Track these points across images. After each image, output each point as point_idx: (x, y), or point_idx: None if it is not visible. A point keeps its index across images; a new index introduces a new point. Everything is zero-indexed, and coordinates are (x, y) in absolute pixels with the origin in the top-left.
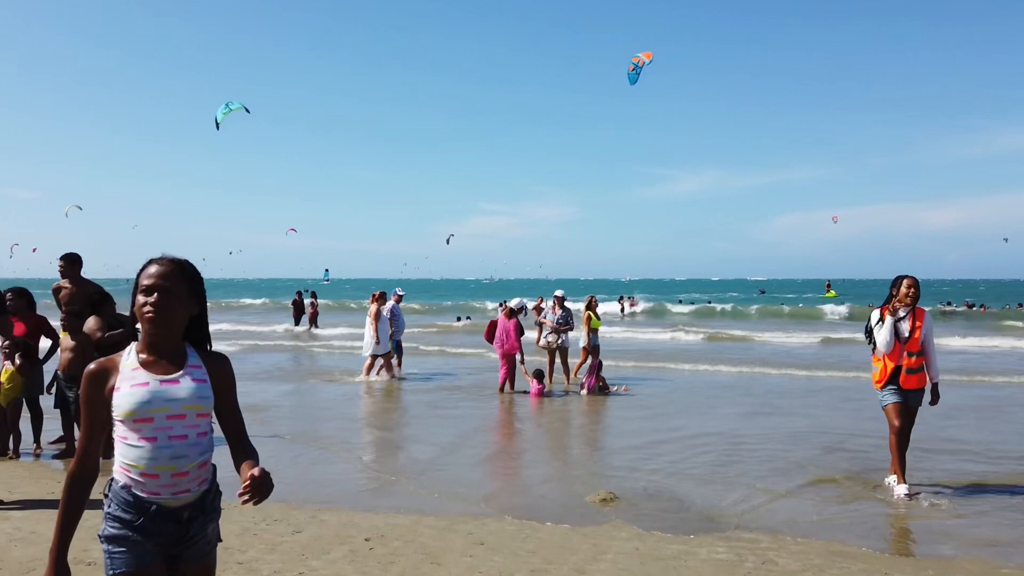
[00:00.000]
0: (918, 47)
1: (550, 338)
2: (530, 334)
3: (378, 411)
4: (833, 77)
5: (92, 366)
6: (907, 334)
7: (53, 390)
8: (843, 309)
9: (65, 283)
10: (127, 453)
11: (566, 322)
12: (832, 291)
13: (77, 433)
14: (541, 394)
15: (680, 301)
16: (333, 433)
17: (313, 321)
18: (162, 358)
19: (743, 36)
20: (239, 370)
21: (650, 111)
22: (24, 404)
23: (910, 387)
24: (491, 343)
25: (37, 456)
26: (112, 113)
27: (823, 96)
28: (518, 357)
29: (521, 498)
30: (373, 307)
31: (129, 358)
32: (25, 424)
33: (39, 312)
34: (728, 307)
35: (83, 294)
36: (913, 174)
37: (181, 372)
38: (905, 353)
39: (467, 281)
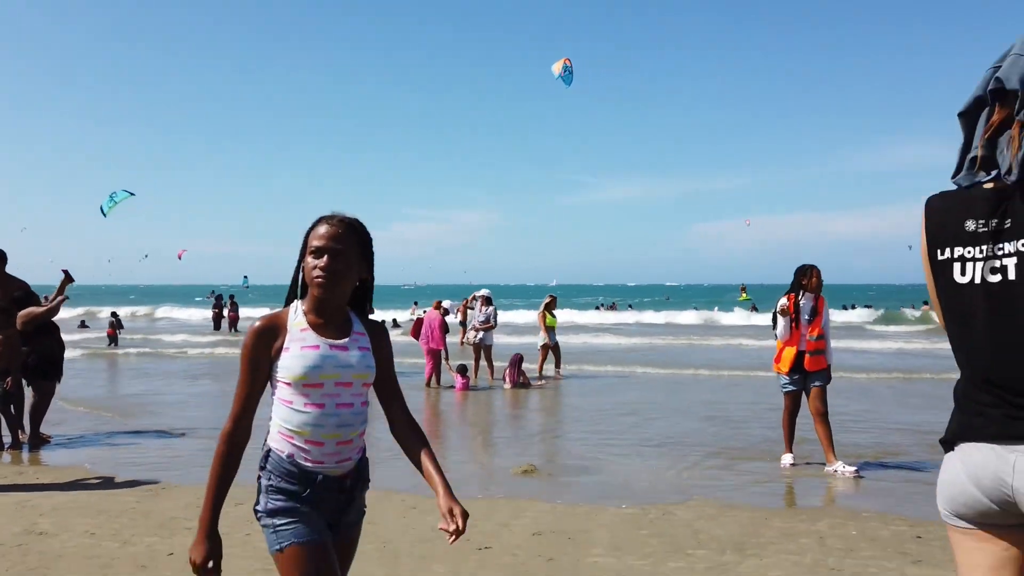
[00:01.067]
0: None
1: (470, 335)
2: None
3: None
4: (753, 89)
5: (259, 322)
6: (809, 316)
7: None
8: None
9: None
10: (291, 418)
11: (487, 320)
12: (746, 294)
13: (5, 429)
14: (466, 388)
15: (599, 307)
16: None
17: (233, 325)
18: (330, 322)
19: (664, 44)
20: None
21: (574, 119)
22: None
23: (813, 368)
24: (418, 340)
25: None
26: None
27: (741, 108)
28: (442, 353)
29: (450, 473)
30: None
31: (297, 317)
32: None
33: None
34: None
35: (8, 290)
36: (823, 184)
37: (348, 339)
38: (808, 336)
39: (391, 287)
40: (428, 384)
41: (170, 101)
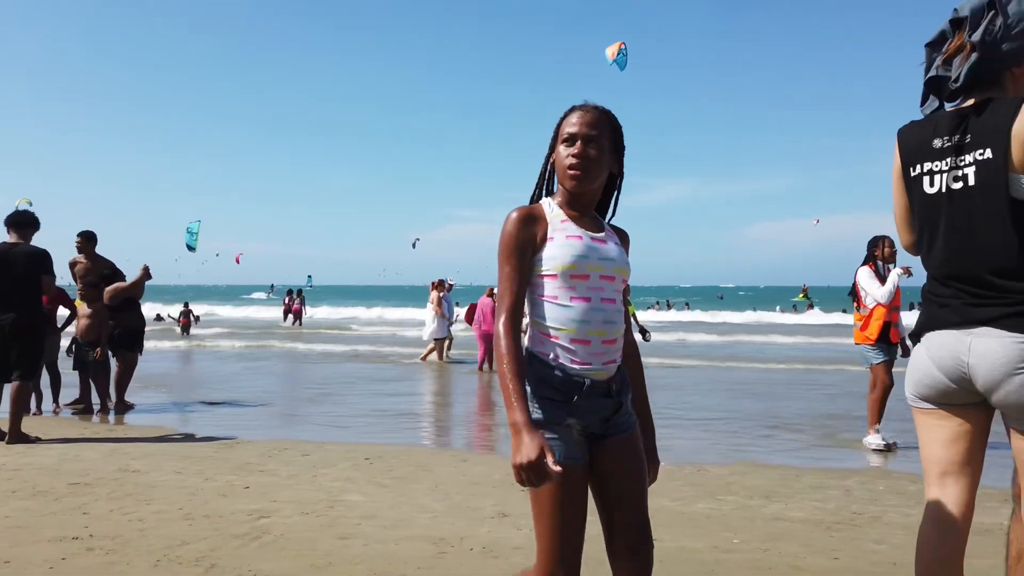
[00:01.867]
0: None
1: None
2: None
3: (422, 386)
4: (814, 85)
5: (517, 211)
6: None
7: (72, 355)
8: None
9: (81, 258)
10: (557, 315)
11: None
12: (805, 295)
13: (94, 394)
14: None
15: (655, 306)
16: (381, 404)
17: (298, 317)
18: (584, 215)
19: (718, 39)
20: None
21: (631, 116)
22: (44, 368)
23: (895, 340)
24: (471, 324)
25: (56, 414)
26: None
27: (800, 104)
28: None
29: (502, 437)
30: (434, 294)
31: (553, 210)
32: (45, 387)
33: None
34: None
35: (97, 268)
36: (869, 186)
37: (604, 233)
38: (892, 308)
39: (458, 288)
40: (480, 368)
41: (255, 100)
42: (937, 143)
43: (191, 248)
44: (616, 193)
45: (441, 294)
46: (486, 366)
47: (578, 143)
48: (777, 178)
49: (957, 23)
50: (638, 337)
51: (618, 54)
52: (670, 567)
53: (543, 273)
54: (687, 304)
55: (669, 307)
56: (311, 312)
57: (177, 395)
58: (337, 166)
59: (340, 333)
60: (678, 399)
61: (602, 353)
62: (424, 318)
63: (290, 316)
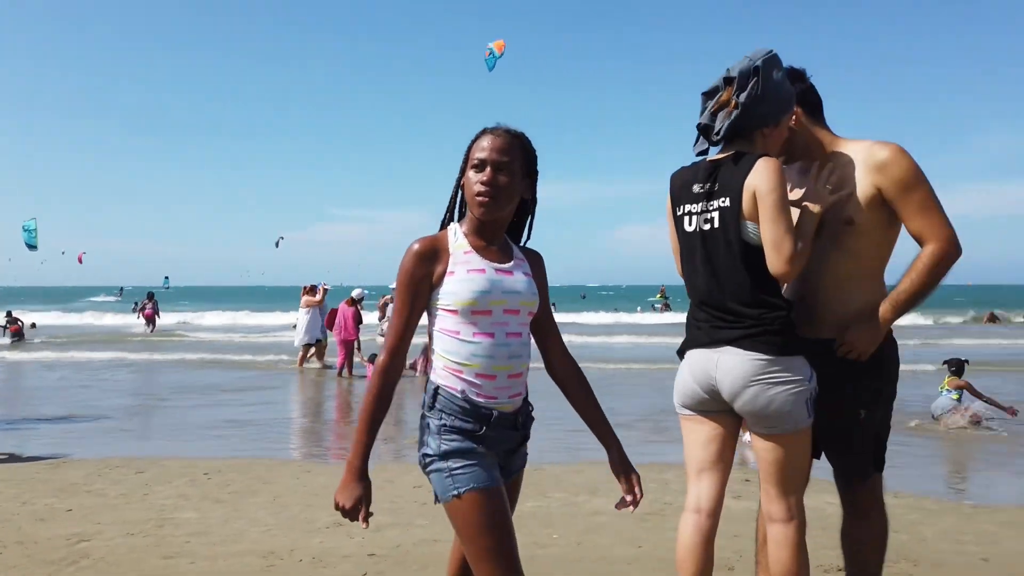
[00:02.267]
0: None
1: (385, 326)
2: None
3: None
4: (680, 98)
5: (417, 244)
6: None
7: None
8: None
9: None
10: (460, 350)
11: None
12: (663, 296)
13: None
14: None
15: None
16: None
17: (151, 322)
18: (491, 244)
19: (610, 56)
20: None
21: (506, 115)
22: None
23: None
24: (332, 331)
25: None
26: None
27: (667, 110)
28: (355, 344)
29: (348, 446)
30: (305, 299)
31: (457, 239)
32: None
33: None
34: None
35: None
36: None
37: (512, 263)
38: None
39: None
40: (340, 374)
41: (77, 88)
42: (696, 188)
43: (32, 247)
44: (530, 219)
45: (316, 298)
46: (345, 372)
47: (487, 169)
48: (644, 183)
49: (728, 81)
50: None
51: (491, 55)
52: None
53: (444, 308)
54: (554, 304)
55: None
56: (164, 317)
57: (2, 411)
58: (197, 160)
59: (196, 339)
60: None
61: (507, 387)
62: (296, 322)
63: (143, 321)
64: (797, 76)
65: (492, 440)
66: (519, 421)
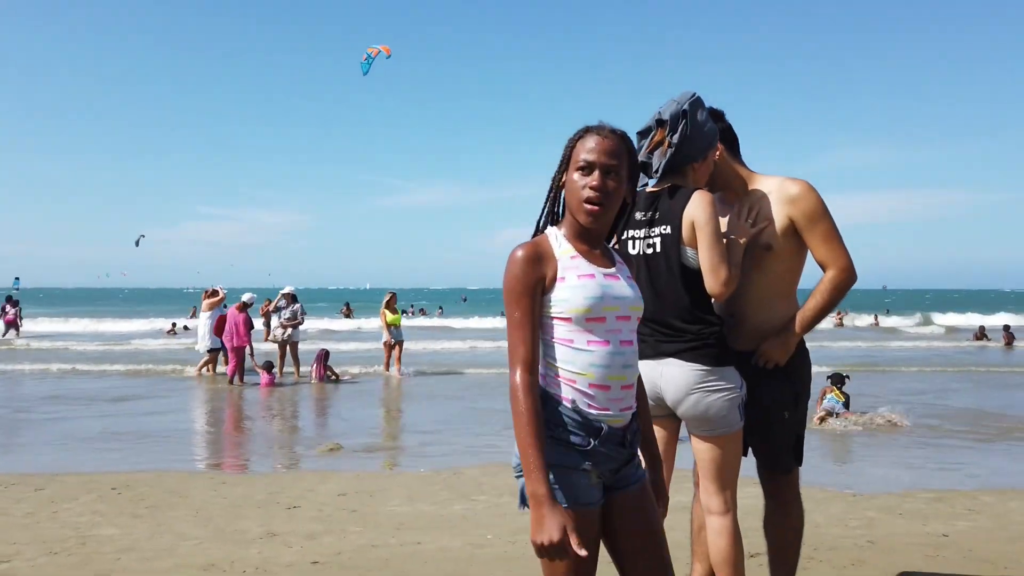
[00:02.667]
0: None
1: (277, 332)
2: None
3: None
4: (542, 112)
5: (524, 250)
6: None
7: None
8: None
9: None
10: (573, 360)
11: (293, 316)
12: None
13: None
14: (271, 384)
15: (408, 311)
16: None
17: (12, 327)
18: (594, 249)
19: (473, 58)
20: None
21: (384, 121)
22: None
23: None
24: (220, 337)
25: None
26: None
27: (535, 127)
28: (247, 350)
29: (254, 454)
30: (208, 302)
31: (561, 245)
32: None
33: None
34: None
35: None
36: None
37: (615, 268)
38: None
39: (184, 290)
40: (231, 382)
41: None
42: (638, 215)
43: None
44: (623, 219)
45: (218, 298)
46: (237, 379)
47: (596, 173)
48: (524, 186)
49: (660, 122)
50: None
51: (368, 58)
52: (432, 567)
53: (556, 315)
54: (440, 309)
55: (423, 313)
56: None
57: None
58: (48, 151)
59: (62, 347)
60: (432, 407)
61: (620, 399)
62: (198, 327)
63: (2, 327)
64: (717, 116)
65: (600, 456)
66: (627, 439)
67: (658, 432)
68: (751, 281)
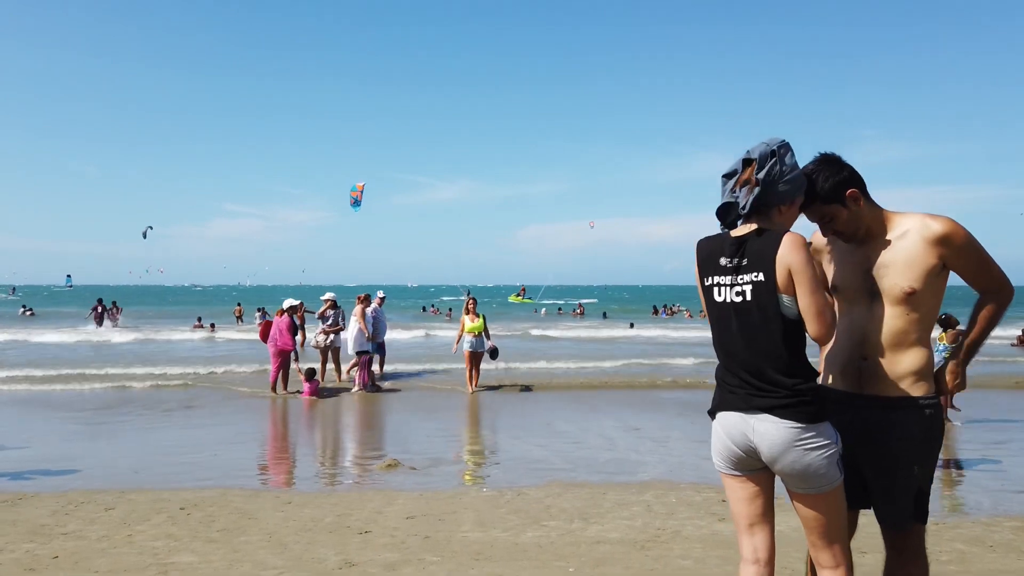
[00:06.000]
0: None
1: (320, 338)
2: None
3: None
4: (567, 107)
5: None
6: None
7: None
8: None
9: None
10: None
11: (335, 323)
12: (522, 296)
13: None
14: (314, 392)
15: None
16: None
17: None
18: None
19: (489, 64)
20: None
21: (403, 119)
22: None
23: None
24: (266, 342)
25: None
26: None
27: (557, 123)
28: (292, 355)
29: (319, 472)
30: (358, 308)
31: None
32: None
33: None
34: None
35: None
36: (637, 192)
37: None
38: None
39: (221, 287)
40: (274, 388)
41: None
42: (723, 261)
43: None
44: None
45: (367, 308)
46: (280, 386)
47: None
48: (552, 182)
49: (748, 162)
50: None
51: (355, 202)
52: None
53: None
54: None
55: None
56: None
57: None
58: (88, 152)
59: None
60: (480, 412)
61: None
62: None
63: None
64: (836, 162)
65: None
66: None
67: (755, 486)
68: (890, 325)
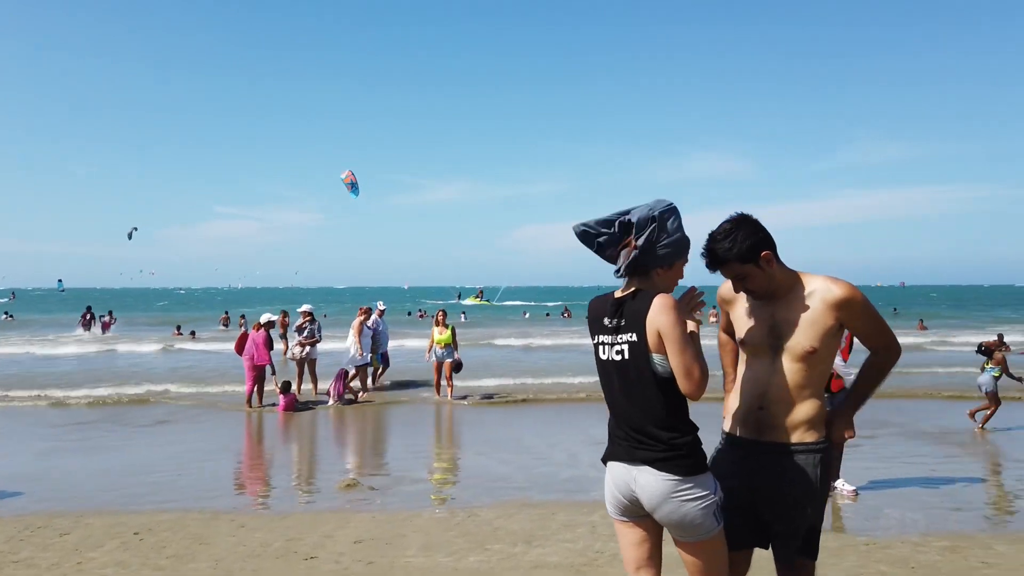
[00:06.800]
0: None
1: (296, 350)
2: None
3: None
4: (567, 108)
5: None
6: None
7: None
8: None
9: None
10: None
11: (312, 335)
12: (480, 298)
13: None
14: (290, 406)
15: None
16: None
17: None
18: None
19: (488, 64)
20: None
21: (399, 120)
22: None
23: (836, 389)
24: (240, 355)
25: None
26: None
27: (557, 123)
28: (268, 369)
29: (275, 491)
30: (357, 320)
31: None
32: None
33: None
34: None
35: None
36: (635, 193)
37: None
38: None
39: (210, 290)
40: (249, 403)
41: None
42: (606, 321)
43: None
44: None
45: (366, 321)
46: (255, 400)
47: None
48: (551, 182)
49: (627, 225)
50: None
51: (352, 187)
52: None
53: None
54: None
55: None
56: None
57: None
58: (81, 153)
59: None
60: (445, 435)
61: None
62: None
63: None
64: (753, 223)
65: None
66: None
67: (643, 531)
68: (790, 378)
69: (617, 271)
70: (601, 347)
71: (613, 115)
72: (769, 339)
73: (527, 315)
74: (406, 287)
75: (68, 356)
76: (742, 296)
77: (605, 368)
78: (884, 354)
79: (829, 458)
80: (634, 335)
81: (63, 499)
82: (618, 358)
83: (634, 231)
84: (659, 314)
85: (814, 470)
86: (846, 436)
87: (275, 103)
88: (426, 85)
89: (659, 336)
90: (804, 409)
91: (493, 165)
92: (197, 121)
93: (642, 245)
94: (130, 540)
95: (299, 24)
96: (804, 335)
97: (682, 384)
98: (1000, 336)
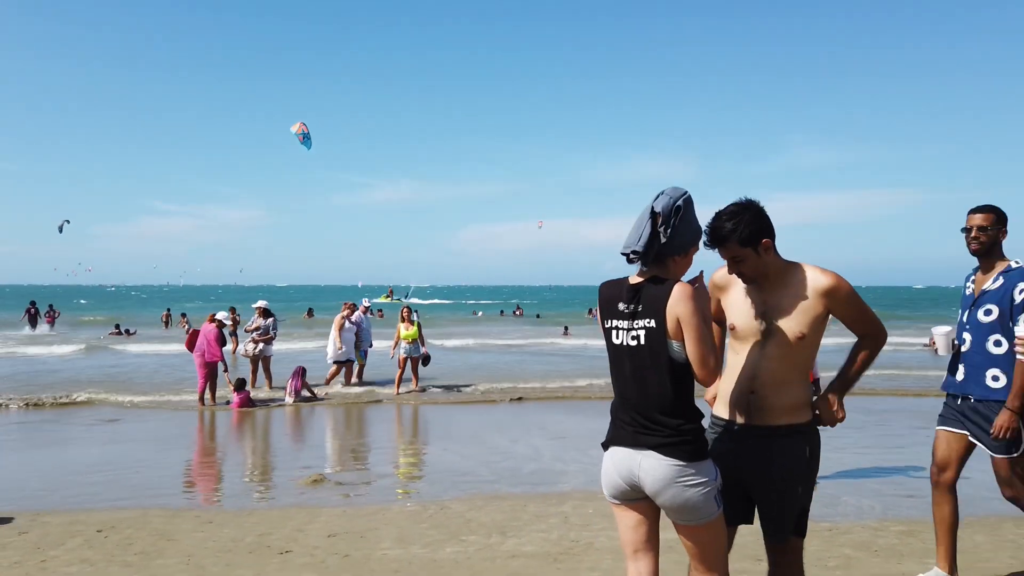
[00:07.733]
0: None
1: (249, 347)
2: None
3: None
4: (510, 107)
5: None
6: None
7: None
8: None
9: None
10: None
11: (266, 331)
12: (390, 297)
13: None
14: (245, 402)
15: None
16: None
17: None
18: None
19: (433, 62)
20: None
21: (339, 118)
22: None
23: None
24: (192, 352)
25: None
26: None
27: (499, 123)
28: (220, 366)
29: (237, 488)
30: (339, 316)
31: None
32: None
33: None
34: None
35: None
36: (578, 193)
37: None
38: None
39: (149, 287)
40: (201, 400)
41: None
42: (621, 306)
43: None
44: None
45: (350, 317)
46: (208, 398)
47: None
48: (493, 183)
49: (654, 214)
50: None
51: (301, 135)
52: None
53: None
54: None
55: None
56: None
57: None
58: (8, 149)
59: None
60: (409, 430)
61: None
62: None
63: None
64: (758, 210)
65: None
66: None
67: (640, 515)
68: (779, 363)
69: (636, 256)
70: (615, 331)
71: (553, 115)
72: (760, 325)
73: (479, 314)
74: (360, 285)
75: (38, 355)
76: (736, 283)
77: (618, 352)
78: (870, 340)
79: (818, 439)
80: (652, 321)
81: (11, 499)
82: (633, 343)
83: (660, 221)
84: (679, 302)
85: (804, 451)
86: (839, 417)
87: (213, 100)
88: (365, 83)
89: (678, 323)
90: (793, 392)
91: (437, 165)
92: (132, 118)
93: (669, 235)
94: (93, 537)
95: (236, 20)
96: (794, 321)
97: (698, 371)
98: None
